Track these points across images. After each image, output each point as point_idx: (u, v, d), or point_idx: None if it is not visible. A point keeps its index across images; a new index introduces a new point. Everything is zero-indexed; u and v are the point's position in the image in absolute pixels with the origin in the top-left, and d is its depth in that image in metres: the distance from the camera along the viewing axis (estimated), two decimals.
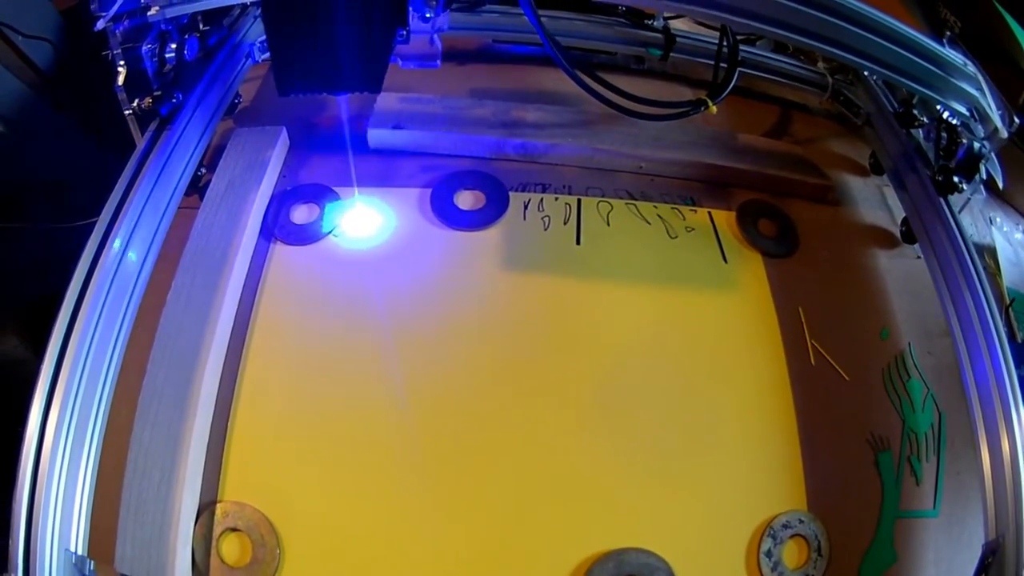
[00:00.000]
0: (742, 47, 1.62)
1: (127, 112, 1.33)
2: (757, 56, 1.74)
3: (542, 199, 1.55)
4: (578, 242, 1.49)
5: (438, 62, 1.42)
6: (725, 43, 1.61)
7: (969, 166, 1.47)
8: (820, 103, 1.86)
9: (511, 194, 1.53)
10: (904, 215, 1.59)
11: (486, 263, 1.45)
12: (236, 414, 1.27)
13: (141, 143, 1.35)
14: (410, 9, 1.31)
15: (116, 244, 1.20)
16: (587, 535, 1.22)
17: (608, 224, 1.53)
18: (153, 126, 1.36)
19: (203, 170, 1.47)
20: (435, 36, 1.40)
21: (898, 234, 1.62)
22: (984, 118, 1.46)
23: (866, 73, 1.76)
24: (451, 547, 1.21)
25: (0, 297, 1.79)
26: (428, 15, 1.35)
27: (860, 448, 1.35)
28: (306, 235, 1.46)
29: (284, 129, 1.56)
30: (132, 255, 1.22)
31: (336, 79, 1.20)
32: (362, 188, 1.49)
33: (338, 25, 1.14)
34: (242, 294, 1.37)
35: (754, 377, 1.38)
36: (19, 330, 1.74)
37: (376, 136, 1.58)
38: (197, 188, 1.46)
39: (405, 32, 1.33)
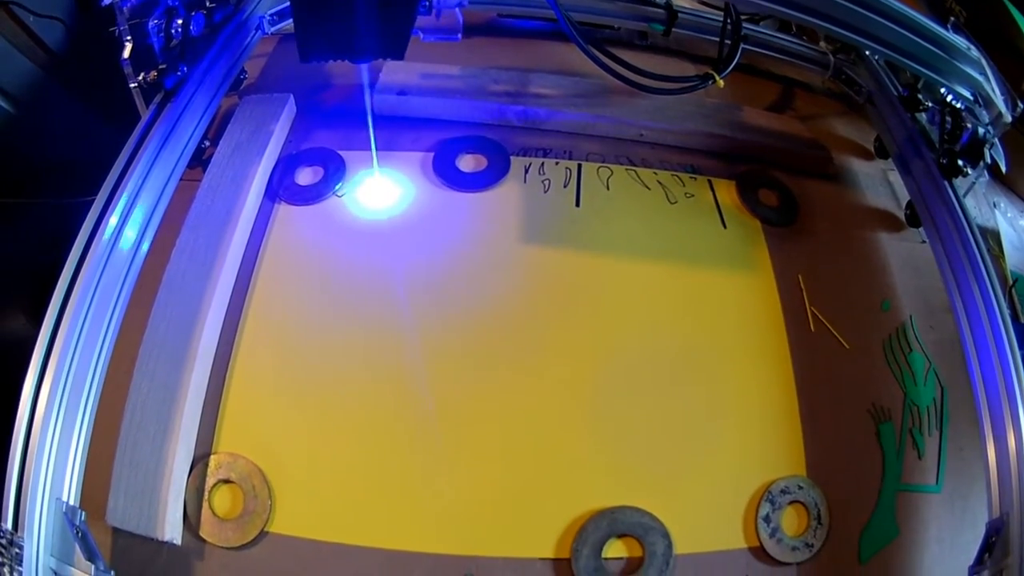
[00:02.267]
0: (745, 24, 1.57)
1: (132, 85, 1.30)
2: (759, 33, 1.69)
3: (543, 163, 1.52)
4: (577, 204, 1.46)
5: (459, 35, 1.38)
6: (729, 20, 1.55)
7: (974, 150, 1.43)
8: (822, 82, 1.81)
9: (512, 158, 1.50)
10: (908, 199, 1.54)
11: (486, 223, 1.42)
12: (234, 368, 1.24)
13: (145, 115, 1.32)
14: None
15: (118, 212, 1.17)
16: (582, 493, 1.17)
17: (608, 188, 1.49)
18: (158, 99, 1.33)
19: (207, 143, 1.45)
20: (457, 9, 1.36)
21: (902, 217, 1.56)
22: (988, 103, 1.41)
23: (867, 53, 1.70)
24: (445, 503, 1.17)
25: (9, 275, 1.76)
26: None
27: (861, 417, 1.30)
28: (309, 196, 1.43)
29: (291, 96, 1.54)
30: (133, 223, 1.19)
31: (358, 46, 1.15)
32: (366, 151, 1.44)
33: None
34: (245, 252, 1.34)
35: (753, 341, 1.34)
36: (27, 308, 1.70)
37: (382, 102, 1.55)
38: (201, 161, 1.43)
39: (428, 3, 1.29)
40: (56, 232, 1.43)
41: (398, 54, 1.16)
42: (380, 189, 1.43)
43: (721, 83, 1.49)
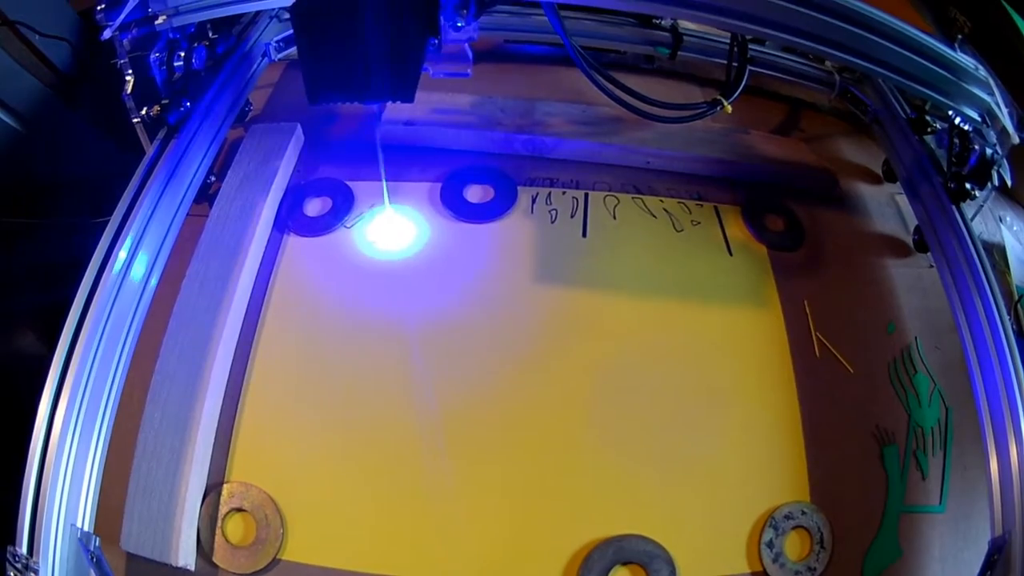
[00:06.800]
0: (751, 45, 1.57)
1: (135, 120, 1.29)
2: (766, 54, 1.69)
3: (550, 193, 1.51)
4: (584, 235, 1.45)
5: (469, 71, 1.34)
6: (735, 42, 1.55)
7: (982, 172, 1.40)
8: (829, 101, 1.79)
9: (519, 188, 1.50)
10: (916, 224, 1.52)
11: (495, 255, 1.42)
12: (246, 397, 1.25)
13: (150, 151, 1.31)
14: (441, 19, 1.24)
15: (123, 252, 1.17)
16: (587, 521, 1.18)
17: (614, 218, 1.49)
18: (162, 134, 1.33)
19: (213, 178, 1.44)
20: (467, 45, 1.32)
21: (909, 240, 1.55)
22: (995, 122, 1.38)
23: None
24: (453, 531, 1.18)
25: (18, 293, 1.77)
26: (460, 24, 1.26)
27: (865, 441, 1.29)
28: (318, 227, 1.44)
29: (299, 125, 1.54)
30: (139, 263, 1.19)
31: (367, 88, 1.13)
32: (374, 182, 1.44)
33: (369, 34, 1.08)
34: (255, 283, 1.35)
35: (758, 368, 1.33)
36: (36, 326, 1.72)
37: (388, 132, 1.55)
38: (207, 196, 1.42)
39: (437, 41, 1.26)
40: (64, 251, 1.45)
41: (408, 96, 1.15)
42: (392, 227, 1.43)
43: (729, 109, 1.49)
